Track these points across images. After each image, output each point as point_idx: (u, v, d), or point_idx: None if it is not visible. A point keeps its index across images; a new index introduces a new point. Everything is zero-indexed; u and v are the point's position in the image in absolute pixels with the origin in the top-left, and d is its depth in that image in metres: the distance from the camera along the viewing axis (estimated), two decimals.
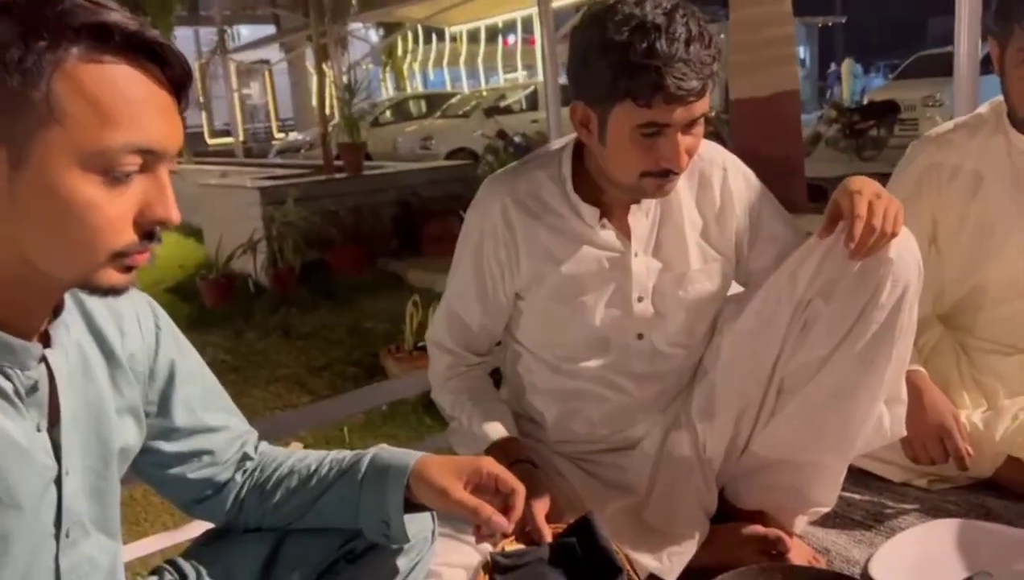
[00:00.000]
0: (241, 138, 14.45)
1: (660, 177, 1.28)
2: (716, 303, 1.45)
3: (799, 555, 1.40)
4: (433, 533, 1.15)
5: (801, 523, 1.46)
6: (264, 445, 1.16)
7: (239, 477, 1.11)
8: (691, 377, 1.48)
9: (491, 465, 1.05)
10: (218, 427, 1.10)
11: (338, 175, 6.67)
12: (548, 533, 1.22)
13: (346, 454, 1.10)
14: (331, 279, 5.74)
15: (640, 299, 1.39)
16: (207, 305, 5.56)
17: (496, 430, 1.40)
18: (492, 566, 1.18)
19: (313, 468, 1.09)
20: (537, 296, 1.40)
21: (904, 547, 1.42)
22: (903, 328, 1.31)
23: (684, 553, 1.37)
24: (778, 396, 1.40)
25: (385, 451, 1.07)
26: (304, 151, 11.68)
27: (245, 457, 1.12)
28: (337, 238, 5.83)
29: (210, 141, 16.06)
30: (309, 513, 1.08)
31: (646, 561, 1.36)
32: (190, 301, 5.73)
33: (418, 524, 1.13)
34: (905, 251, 1.29)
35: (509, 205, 1.39)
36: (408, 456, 1.05)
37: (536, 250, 1.38)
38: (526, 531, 1.24)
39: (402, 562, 1.11)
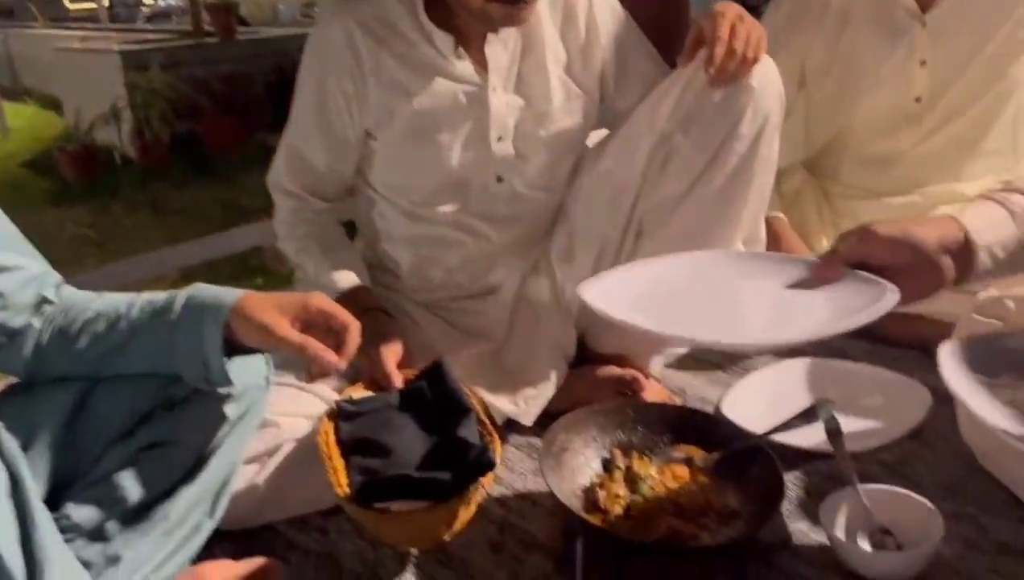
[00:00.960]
0: (106, 3, 13.26)
1: (508, 3, 1.18)
2: (578, 144, 1.38)
3: (654, 395, 1.40)
4: (267, 379, 1.08)
5: (657, 364, 1.45)
6: (69, 289, 1.05)
7: (37, 322, 1.00)
8: (551, 221, 1.42)
9: (320, 301, 0.97)
10: (9, 266, 0.98)
11: (208, 40, 6.21)
12: (399, 379, 1.17)
13: (160, 295, 1.00)
14: (203, 152, 5.43)
15: (499, 139, 1.31)
16: (68, 179, 5.19)
17: (346, 278, 1.32)
18: (338, 413, 1.12)
19: (122, 310, 0.99)
20: (388, 134, 1.30)
21: (756, 385, 1.44)
22: (763, 162, 1.28)
23: (541, 396, 1.35)
24: (637, 239, 1.37)
25: (202, 289, 0.98)
26: (176, 17, 10.88)
27: (43, 300, 1.01)
28: (208, 108, 5.48)
29: (70, 5, 14.69)
30: (120, 359, 0.98)
31: (502, 405, 1.33)
32: (48, 175, 5.34)
33: (249, 369, 1.05)
34: (767, 80, 1.24)
35: (354, 30, 1.26)
36: (227, 293, 0.96)
37: (385, 81, 1.27)
38: (375, 379, 1.19)
39: (231, 409, 1.04)
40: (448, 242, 1.37)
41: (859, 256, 0.93)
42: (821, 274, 0.95)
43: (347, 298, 1.29)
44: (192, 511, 1.02)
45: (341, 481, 1.03)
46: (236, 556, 1.08)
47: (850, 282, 0.94)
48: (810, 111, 1.66)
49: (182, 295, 0.97)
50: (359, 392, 1.17)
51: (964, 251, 0.90)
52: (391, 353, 1.19)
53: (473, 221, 1.36)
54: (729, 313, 0.94)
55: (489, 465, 0.99)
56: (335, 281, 1.32)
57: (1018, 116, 1.58)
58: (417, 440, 1.09)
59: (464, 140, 1.30)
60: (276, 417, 1.17)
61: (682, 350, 1.45)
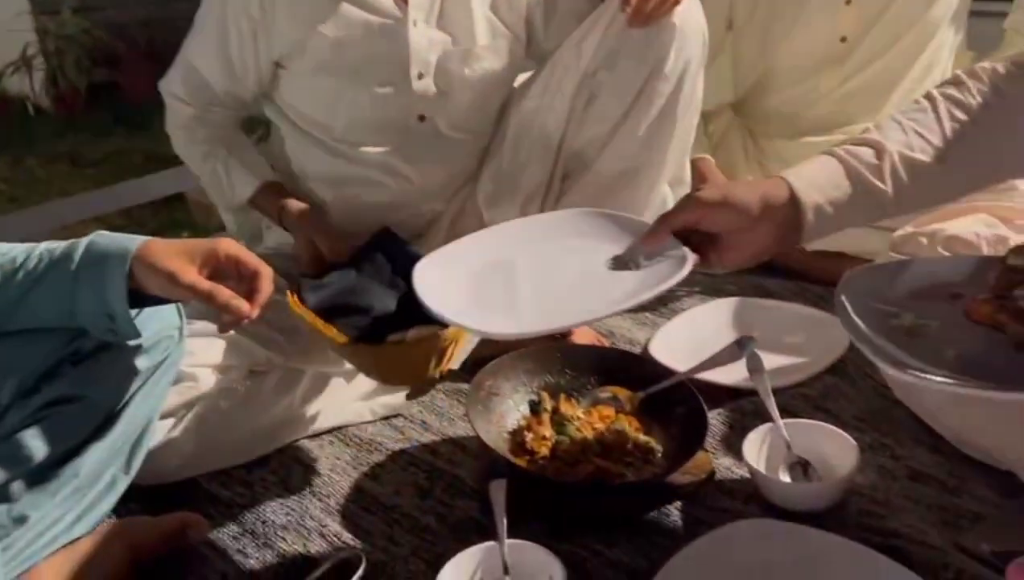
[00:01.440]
0: None
1: None
2: (504, 85, 1.35)
3: (583, 338, 1.40)
4: (180, 330, 1.04)
5: None
6: None
7: None
8: (478, 164, 1.39)
9: (229, 246, 0.93)
10: None
11: None
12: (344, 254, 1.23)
13: (60, 244, 0.95)
14: (124, 101, 5.19)
15: (420, 76, 1.27)
16: None
17: (262, 173, 1.32)
18: (299, 288, 1.15)
19: (20, 261, 0.93)
20: (300, 67, 1.25)
21: (683, 325, 1.45)
22: (687, 102, 1.27)
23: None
24: (564, 181, 1.35)
25: (104, 237, 0.93)
26: None
27: None
28: (127, 55, 5.23)
29: None
30: (19, 312, 0.93)
31: None
32: None
33: (160, 320, 1.01)
34: (690, 20, 1.23)
35: None
36: (130, 240, 0.91)
37: (295, 8, 1.21)
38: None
39: (142, 362, 1.00)
40: (370, 183, 1.33)
41: (686, 223, 0.92)
42: (647, 243, 0.94)
43: (265, 193, 1.31)
44: (105, 468, 0.99)
45: (333, 333, 1.08)
46: (155, 512, 1.06)
47: (669, 250, 0.94)
48: (737, 53, 1.65)
49: (82, 243, 0.92)
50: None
51: (792, 210, 0.91)
52: (333, 235, 1.24)
53: (396, 162, 1.32)
54: (547, 292, 0.93)
55: None
56: (251, 177, 1.31)
57: (936, 55, 1.61)
58: (388, 295, 1.16)
59: (382, 75, 1.26)
60: (194, 369, 1.13)
61: None
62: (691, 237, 0.93)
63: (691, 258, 0.91)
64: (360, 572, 0.92)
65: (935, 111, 0.93)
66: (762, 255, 0.94)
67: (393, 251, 1.22)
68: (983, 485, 1.04)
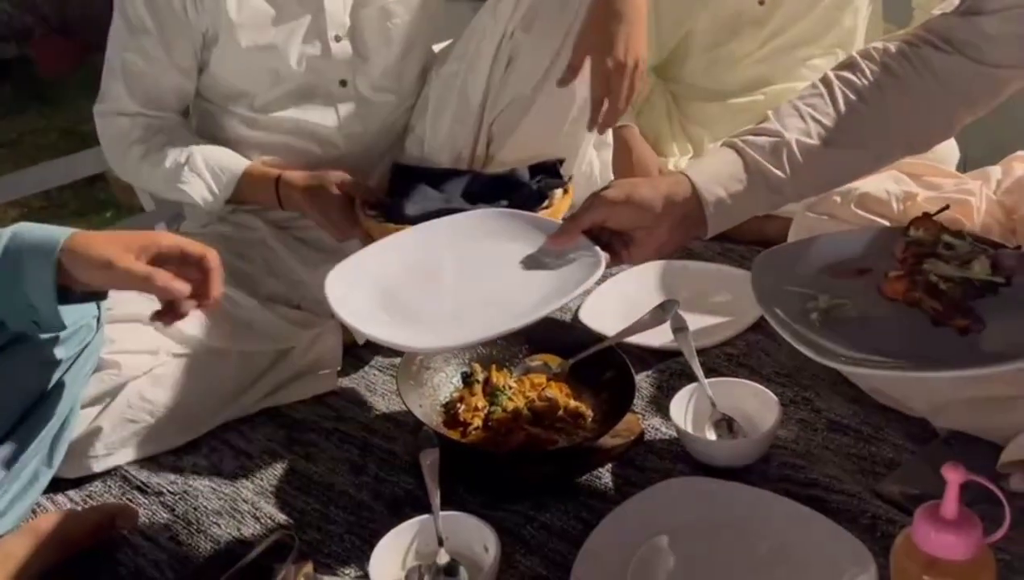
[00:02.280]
0: None
1: None
2: (423, 43, 1.34)
3: None
4: (99, 319, 1.01)
5: None
6: None
7: None
8: (402, 129, 1.38)
9: (169, 236, 0.91)
10: None
11: None
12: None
13: None
14: (36, 77, 4.98)
15: (337, 38, 1.25)
16: None
17: (238, 162, 1.28)
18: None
19: None
20: (223, 37, 1.22)
21: (613, 291, 1.46)
22: None
23: None
24: (488, 146, 1.35)
25: (28, 228, 0.89)
26: None
27: None
28: (39, 28, 5.01)
29: None
30: None
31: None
32: None
33: (78, 309, 0.98)
34: None
35: None
36: (58, 231, 0.87)
37: None
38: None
39: (60, 352, 0.98)
40: (295, 151, 1.31)
41: (592, 223, 0.95)
42: (557, 244, 0.96)
43: (254, 177, 1.26)
44: (27, 462, 0.97)
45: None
46: (82, 505, 1.04)
47: (580, 251, 0.96)
48: (658, 16, 1.66)
49: (4, 235, 0.88)
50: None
51: (695, 205, 0.94)
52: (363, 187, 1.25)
53: (319, 129, 1.30)
54: (463, 301, 0.94)
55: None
56: (234, 160, 1.27)
57: (854, 19, 1.64)
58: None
59: (301, 39, 1.24)
60: (116, 356, 1.11)
61: None
62: (600, 234, 0.96)
63: (603, 258, 0.94)
64: (293, 553, 0.92)
65: (831, 95, 0.96)
66: (668, 249, 0.98)
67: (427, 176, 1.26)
68: (898, 433, 1.09)
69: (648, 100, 1.70)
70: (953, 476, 0.69)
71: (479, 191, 1.26)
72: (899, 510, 0.96)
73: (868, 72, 0.96)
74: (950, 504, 0.70)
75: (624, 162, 1.59)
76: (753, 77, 1.63)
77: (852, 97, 0.95)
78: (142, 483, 1.11)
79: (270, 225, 1.34)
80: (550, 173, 1.28)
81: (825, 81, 0.98)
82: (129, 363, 1.12)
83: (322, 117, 1.29)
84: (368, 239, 1.19)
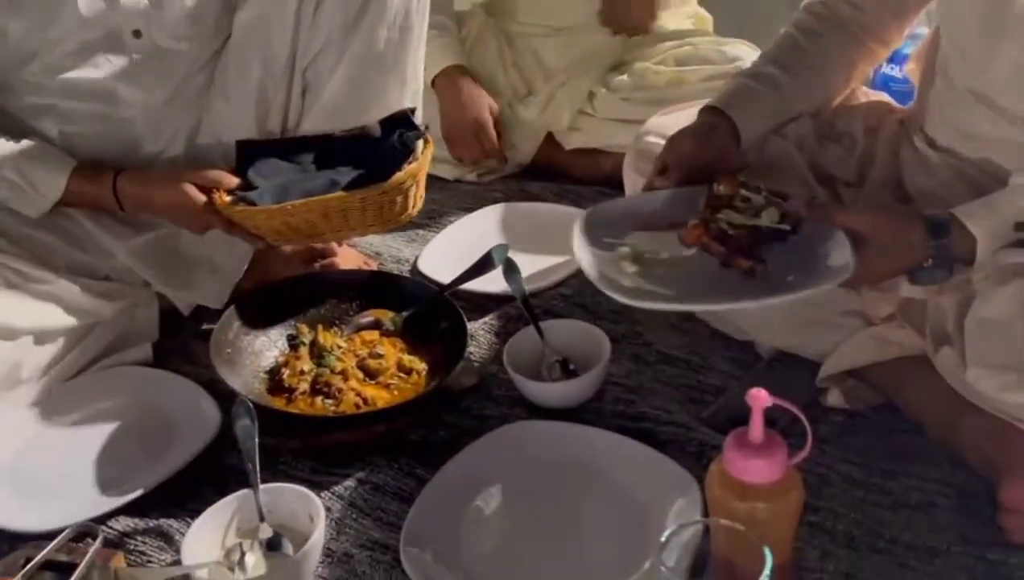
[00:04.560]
0: None
1: None
2: None
3: (349, 262, 1.34)
4: None
5: None
6: None
7: None
8: (207, 80, 1.27)
9: None
10: None
11: None
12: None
13: None
14: None
15: None
16: None
17: (63, 160, 1.15)
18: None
19: None
20: None
21: (450, 238, 1.43)
22: (420, 8, 1.21)
23: (228, 278, 1.25)
24: (303, 97, 1.26)
25: None
26: None
27: None
28: None
29: None
30: None
31: (186, 295, 1.23)
32: None
33: None
34: None
35: None
36: None
37: None
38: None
39: None
40: (90, 116, 1.19)
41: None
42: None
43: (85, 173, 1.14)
44: None
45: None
46: None
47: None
48: None
49: None
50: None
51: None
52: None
53: (116, 87, 1.18)
54: None
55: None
56: (58, 168, 1.14)
57: None
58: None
59: None
60: None
61: None
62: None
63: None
64: (97, 544, 0.85)
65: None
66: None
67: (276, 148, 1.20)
68: (725, 361, 1.11)
69: (479, 38, 1.65)
70: (757, 401, 0.70)
71: (334, 156, 1.18)
72: (724, 435, 0.97)
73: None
74: (755, 429, 0.71)
75: (454, 104, 1.54)
76: (587, 10, 1.60)
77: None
78: None
79: None
80: (405, 125, 1.21)
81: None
82: None
83: (118, 75, 1.18)
84: (230, 226, 1.13)
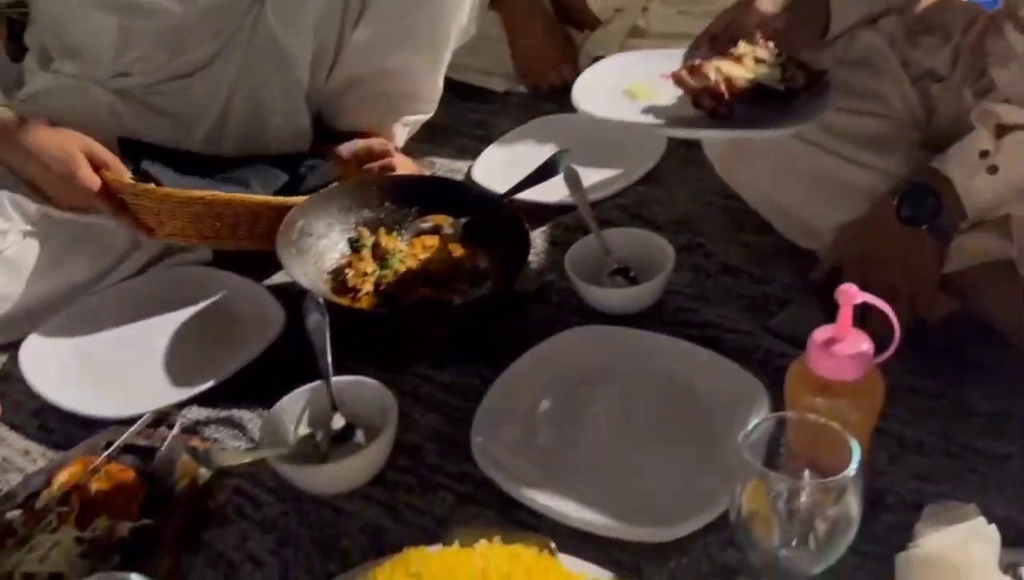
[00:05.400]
0: None
1: None
2: None
3: (404, 167, 1.33)
4: None
5: (402, 135, 1.38)
6: None
7: None
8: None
9: None
10: None
11: None
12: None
13: None
14: None
15: None
16: None
17: None
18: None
19: None
20: None
21: (502, 149, 1.42)
22: None
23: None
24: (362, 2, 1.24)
25: None
26: None
27: None
28: None
29: None
30: None
31: None
32: None
33: None
34: None
35: None
36: None
37: None
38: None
39: None
40: (144, 10, 1.17)
41: None
42: None
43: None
44: None
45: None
46: None
47: None
48: None
49: None
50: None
51: None
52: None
53: None
54: None
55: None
56: None
57: None
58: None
59: None
60: None
61: (426, 115, 1.39)
62: None
63: None
64: (175, 430, 0.87)
65: None
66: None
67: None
68: (788, 273, 1.10)
69: None
70: (847, 296, 0.69)
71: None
72: (790, 344, 0.98)
73: None
74: (843, 325, 0.71)
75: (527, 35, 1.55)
76: None
77: None
78: (2, 372, 1.03)
79: (114, 94, 1.19)
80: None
81: None
82: None
83: None
84: (117, 211, 1.07)
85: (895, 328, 0.71)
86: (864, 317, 0.72)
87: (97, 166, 1.06)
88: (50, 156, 1.04)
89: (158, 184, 1.08)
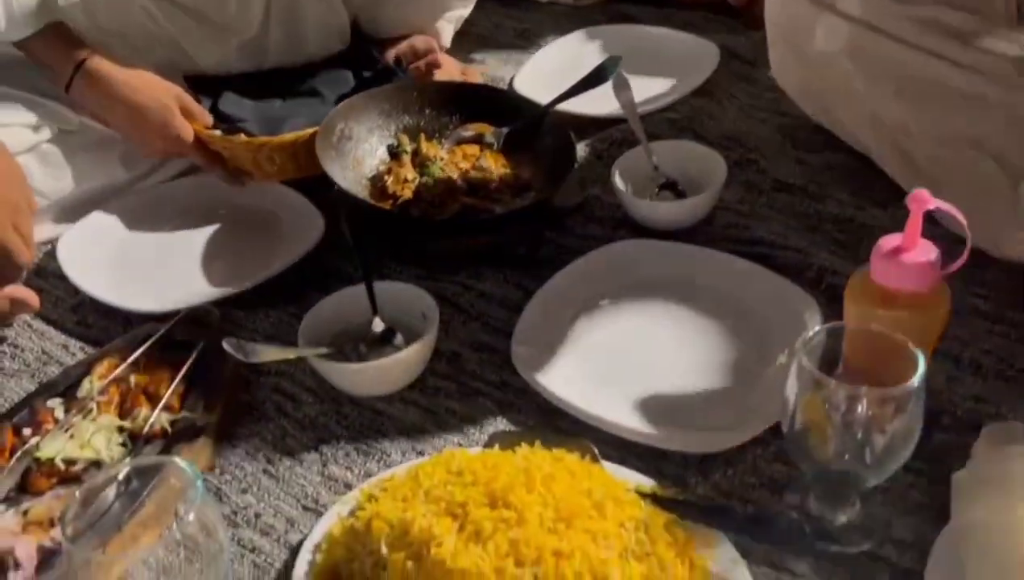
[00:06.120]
0: None
1: None
2: None
3: (448, 68, 1.29)
4: None
5: (448, 32, 1.34)
6: None
7: None
8: None
9: None
10: None
11: None
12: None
13: None
14: None
15: None
16: None
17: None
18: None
19: None
20: None
21: (547, 58, 1.37)
22: None
23: None
24: None
25: None
26: None
27: None
28: None
29: None
30: None
31: None
32: None
33: None
34: None
35: None
36: None
37: None
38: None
39: None
40: None
41: None
42: None
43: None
44: None
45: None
46: None
47: None
48: None
49: None
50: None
51: None
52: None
53: None
54: None
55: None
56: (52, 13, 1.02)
57: None
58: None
59: None
60: None
61: (467, 10, 1.34)
62: None
63: None
64: (215, 324, 0.86)
65: None
66: None
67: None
68: (843, 190, 1.06)
69: None
70: (918, 202, 0.66)
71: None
72: (844, 260, 0.94)
73: None
74: (912, 232, 0.67)
75: None
76: None
77: None
78: (41, 266, 1.02)
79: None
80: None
81: None
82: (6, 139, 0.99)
83: None
84: (211, 162, 1.07)
85: (967, 238, 0.67)
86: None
87: (186, 115, 1.05)
88: (146, 107, 1.03)
89: (247, 133, 1.06)
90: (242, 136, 1.06)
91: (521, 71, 1.33)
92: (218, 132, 1.06)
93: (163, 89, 1.05)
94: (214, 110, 1.10)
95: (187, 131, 1.04)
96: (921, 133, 0.92)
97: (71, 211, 1.08)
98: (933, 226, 0.70)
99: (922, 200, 0.65)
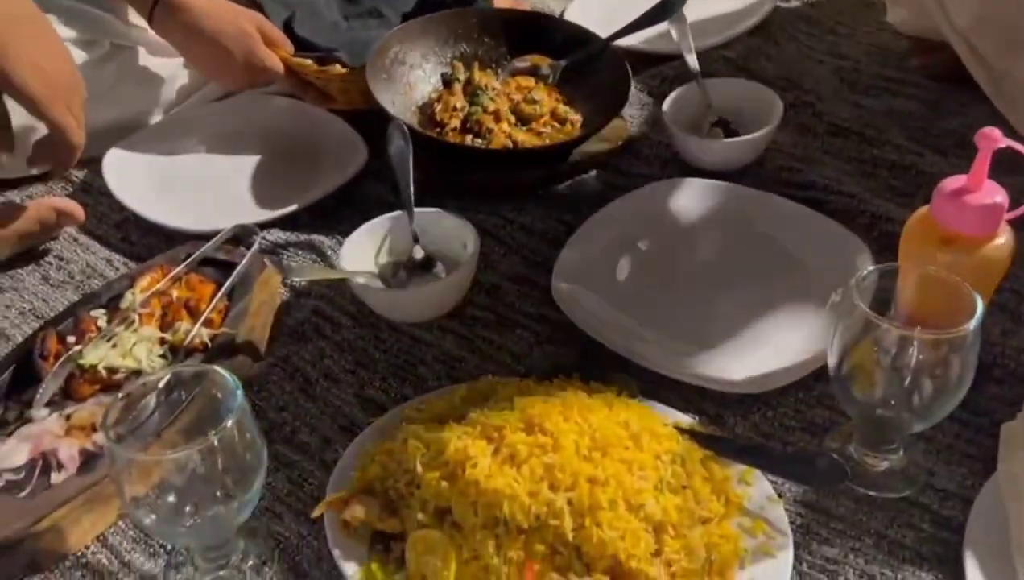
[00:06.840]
0: None
1: None
2: None
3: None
4: None
5: None
6: None
7: None
8: None
9: None
10: None
11: None
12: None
13: None
14: None
15: None
16: None
17: None
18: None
19: None
20: None
21: None
22: None
23: None
24: None
25: None
26: None
27: None
28: None
29: None
30: None
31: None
32: None
33: None
34: None
35: None
36: None
37: None
38: None
39: None
40: None
41: None
42: None
43: None
44: None
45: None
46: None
47: None
48: None
49: None
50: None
51: None
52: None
53: None
54: None
55: None
56: None
57: None
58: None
59: None
60: None
61: None
62: None
63: None
64: (255, 246, 0.86)
65: None
66: None
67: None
68: (902, 135, 1.02)
69: None
70: (987, 140, 0.63)
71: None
72: (898, 206, 0.91)
73: None
74: (978, 173, 0.64)
75: None
76: None
77: None
78: (86, 183, 1.03)
79: None
80: None
81: None
82: None
83: None
84: (303, 89, 1.07)
85: None
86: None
87: (268, 43, 1.03)
88: (229, 37, 1.00)
89: (341, 63, 1.04)
90: (337, 67, 1.04)
91: (571, 5, 1.30)
92: (309, 61, 1.04)
93: (244, 16, 1.02)
94: (287, 30, 1.08)
95: (273, 61, 1.02)
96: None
97: (114, 132, 1.08)
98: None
99: (992, 138, 0.62)
